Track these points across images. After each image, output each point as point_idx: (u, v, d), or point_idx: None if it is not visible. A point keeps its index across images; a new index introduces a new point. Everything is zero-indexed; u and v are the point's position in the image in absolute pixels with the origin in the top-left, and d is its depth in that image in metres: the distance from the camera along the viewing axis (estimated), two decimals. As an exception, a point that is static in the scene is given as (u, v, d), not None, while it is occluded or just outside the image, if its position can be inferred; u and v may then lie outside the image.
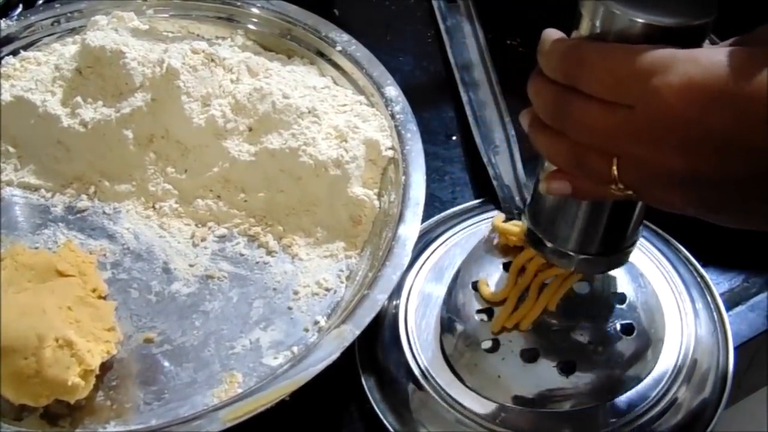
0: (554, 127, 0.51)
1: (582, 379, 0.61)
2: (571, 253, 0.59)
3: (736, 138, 0.44)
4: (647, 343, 0.64)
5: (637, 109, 0.46)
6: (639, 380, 0.62)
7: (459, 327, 0.65)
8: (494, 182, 0.76)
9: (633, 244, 0.59)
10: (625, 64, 0.46)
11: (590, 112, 0.48)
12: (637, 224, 0.58)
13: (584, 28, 0.50)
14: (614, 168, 0.48)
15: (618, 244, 0.59)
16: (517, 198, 0.74)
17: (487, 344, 0.64)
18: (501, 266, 0.68)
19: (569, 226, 0.58)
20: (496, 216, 0.71)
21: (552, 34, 0.51)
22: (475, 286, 0.67)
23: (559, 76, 0.50)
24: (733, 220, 0.49)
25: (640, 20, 0.47)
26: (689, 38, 0.47)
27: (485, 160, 0.78)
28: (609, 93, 0.47)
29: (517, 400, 0.61)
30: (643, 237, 0.70)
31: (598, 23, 0.49)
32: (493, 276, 0.67)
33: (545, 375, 0.62)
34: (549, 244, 0.59)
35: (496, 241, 0.69)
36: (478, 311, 0.66)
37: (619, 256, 0.59)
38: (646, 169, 0.48)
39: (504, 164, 0.77)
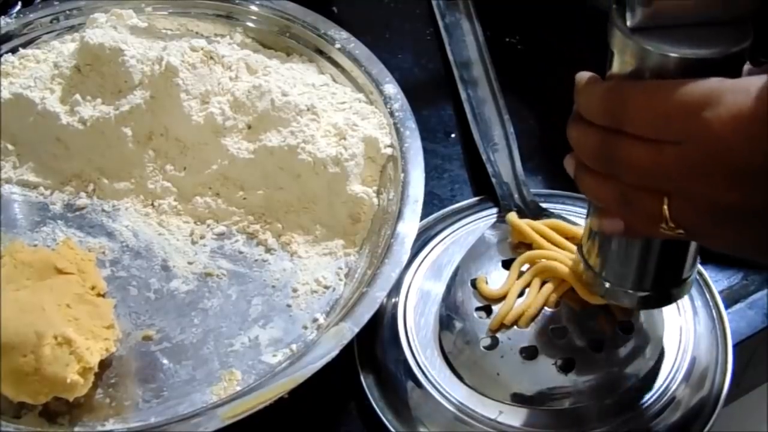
0: (600, 171, 0.50)
1: (581, 377, 0.61)
2: (631, 291, 0.57)
3: None
4: (646, 340, 0.64)
5: (687, 145, 0.45)
6: (638, 378, 0.62)
7: (458, 324, 0.65)
8: (493, 180, 0.75)
9: (693, 273, 0.58)
10: (672, 100, 0.45)
11: (638, 153, 0.47)
12: (696, 252, 0.56)
13: (618, 67, 0.49)
14: (665, 207, 0.47)
15: (679, 275, 0.57)
16: (515, 195, 0.74)
17: (485, 342, 0.64)
18: (500, 264, 0.68)
19: (626, 263, 0.56)
20: (514, 217, 0.70)
21: (586, 76, 0.50)
22: (473, 284, 0.67)
23: (600, 119, 0.49)
24: None
25: (674, 55, 0.46)
26: (728, 66, 0.46)
27: (484, 157, 0.78)
28: (657, 131, 0.46)
29: (516, 397, 0.61)
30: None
31: (632, 61, 0.48)
32: (491, 274, 0.67)
33: (544, 373, 0.62)
34: (607, 284, 0.58)
35: (509, 240, 0.69)
36: (477, 309, 0.65)
37: (682, 288, 0.58)
38: (699, 206, 0.46)
39: (503, 161, 0.77)
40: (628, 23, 0.47)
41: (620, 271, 0.57)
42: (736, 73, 0.46)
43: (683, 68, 0.46)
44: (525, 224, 0.68)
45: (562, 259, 0.64)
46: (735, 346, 0.66)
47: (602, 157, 0.49)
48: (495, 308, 0.65)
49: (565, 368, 0.62)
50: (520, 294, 0.65)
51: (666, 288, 0.57)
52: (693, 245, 0.55)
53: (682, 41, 0.46)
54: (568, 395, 0.61)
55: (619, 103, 0.47)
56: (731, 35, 0.46)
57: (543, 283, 0.65)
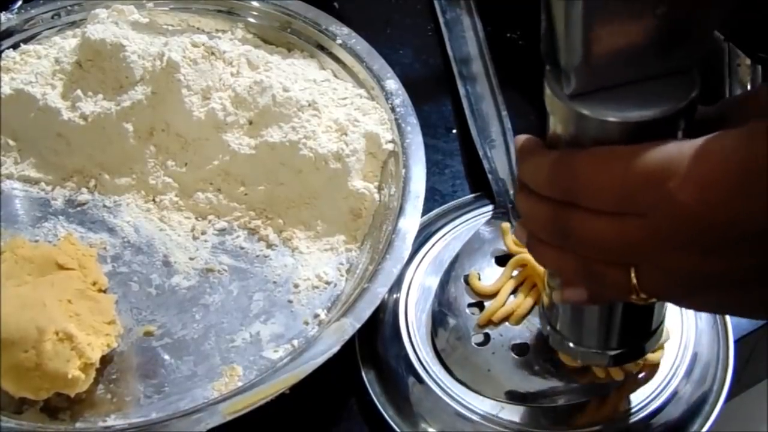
0: (556, 245, 0.47)
1: (575, 374, 0.61)
2: (599, 351, 0.55)
3: None
4: (646, 336, 0.64)
5: (653, 217, 0.42)
6: (638, 374, 0.62)
7: (450, 321, 0.65)
8: (489, 176, 0.75)
9: (663, 320, 0.56)
10: (629, 171, 0.41)
11: (598, 227, 0.43)
12: (663, 303, 0.54)
13: (559, 131, 0.45)
14: (633, 277, 0.44)
15: (648, 329, 0.55)
16: (511, 192, 0.74)
17: (478, 338, 0.64)
18: (493, 261, 0.68)
19: (591, 326, 0.54)
20: (509, 230, 0.69)
21: (522, 140, 0.47)
22: (466, 280, 0.67)
23: (550, 193, 0.45)
24: None
25: (614, 119, 0.42)
26: (678, 122, 0.43)
27: (481, 153, 0.77)
28: (616, 204, 0.42)
29: (510, 394, 0.61)
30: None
31: (573, 128, 0.44)
32: (485, 270, 0.67)
33: (536, 369, 0.62)
34: (571, 344, 0.56)
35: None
36: (470, 305, 0.66)
37: (654, 338, 0.55)
38: (671, 275, 0.44)
39: (499, 158, 0.77)
40: (565, 91, 0.43)
41: (585, 334, 0.55)
42: (688, 125, 0.43)
43: (630, 132, 0.42)
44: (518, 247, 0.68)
45: None
46: (736, 341, 0.66)
47: (556, 232, 0.46)
48: (487, 304, 0.65)
49: (557, 365, 0.62)
50: (513, 292, 0.65)
51: (637, 343, 0.55)
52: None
53: (625, 103, 0.42)
54: (563, 393, 0.61)
55: (569, 177, 0.44)
56: (677, 88, 0.43)
57: (535, 284, 0.65)
